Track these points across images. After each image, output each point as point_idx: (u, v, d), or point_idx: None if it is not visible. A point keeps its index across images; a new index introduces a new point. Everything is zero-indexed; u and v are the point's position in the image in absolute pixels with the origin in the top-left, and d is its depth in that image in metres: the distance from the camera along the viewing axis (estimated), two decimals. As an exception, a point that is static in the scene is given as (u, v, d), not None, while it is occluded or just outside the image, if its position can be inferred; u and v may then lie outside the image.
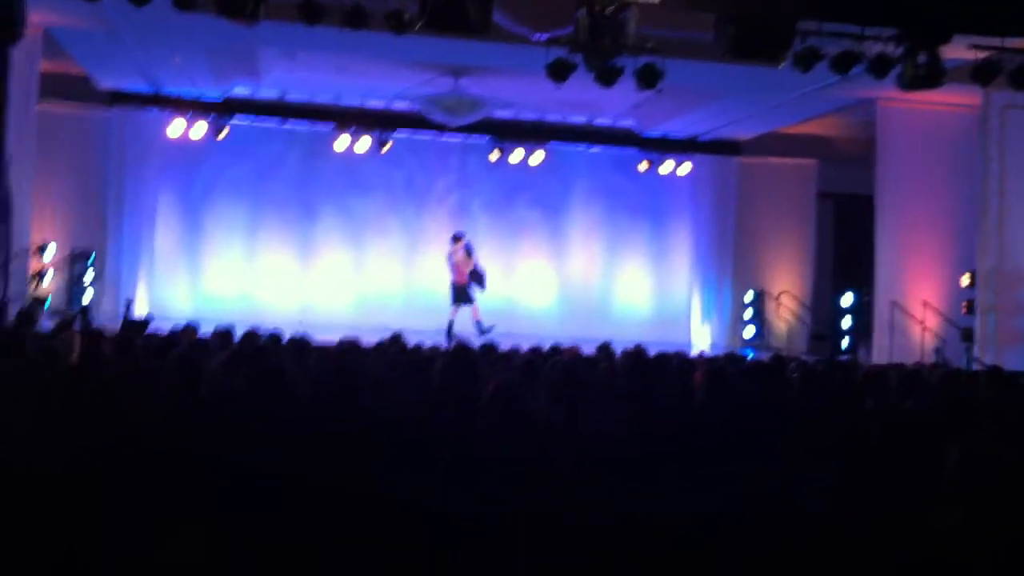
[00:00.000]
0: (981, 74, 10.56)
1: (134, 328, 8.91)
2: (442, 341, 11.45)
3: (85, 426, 4.04)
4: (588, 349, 8.88)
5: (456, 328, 14.65)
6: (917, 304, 14.12)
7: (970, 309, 13.77)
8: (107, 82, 15.54)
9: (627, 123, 16.82)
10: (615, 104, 15.17)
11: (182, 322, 9.25)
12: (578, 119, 16.85)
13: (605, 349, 8.58)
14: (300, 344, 7.08)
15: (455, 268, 15.12)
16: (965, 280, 14.00)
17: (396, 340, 8.05)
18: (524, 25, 10.36)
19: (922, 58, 10.11)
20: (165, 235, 16.71)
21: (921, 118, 13.99)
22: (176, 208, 16.87)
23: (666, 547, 3.41)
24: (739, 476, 3.91)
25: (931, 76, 10.13)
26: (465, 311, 14.97)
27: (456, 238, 15.33)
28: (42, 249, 15.27)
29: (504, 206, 17.67)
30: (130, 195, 16.26)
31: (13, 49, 10.23)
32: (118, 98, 15.99)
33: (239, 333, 7.65)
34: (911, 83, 10.27)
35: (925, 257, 14.39)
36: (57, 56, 13.61)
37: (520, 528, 3.29)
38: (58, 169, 15.48)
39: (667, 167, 17.43)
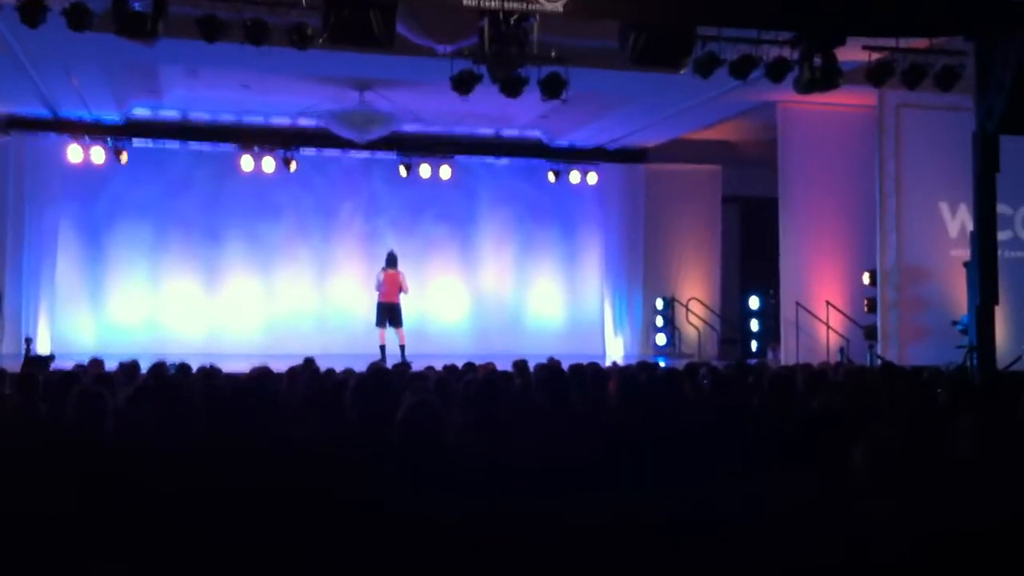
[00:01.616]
0: (875, 75, 10.87)
1: (36, 365, 8.65)
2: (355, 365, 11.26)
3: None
4: (503, 364, 8.88)
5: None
6: (821, 304, 14.42)
7: (871, 307, 14.10)
8: (2, 107, 15.10)
9: (534, 134, 16.92)
10: (522, 115, 15.25)
11: (86, 357, 9.02)
12: (486, 131, 16.89)
13: (519, 365, 8.59)
14: (209, 374, 6.95)
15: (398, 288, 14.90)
16: (866, 278, 14.34)
17: (308, 365, 7.95)
18: (428, 37, 10.35)
19: (818, 61, 10.37)
20: (66, 265, 16.20)
21: (820, 119, 14.31)
22: (77, 236, 16.39)
23: (586, 554, 3.42)
24: (655, 483, 3.94)
25: (827, 78, 10.39)
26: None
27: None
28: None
29: (413, 222, 17.56)
30: (29, 225, 15.77)
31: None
32: (14, 123, 15.56)
33: (145, 365, 7.48)
34: (808, 86, 10.53)
35: (827, 257, 14.70)
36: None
37: (442, 547, 3.26)
38: (-49, 201, 15.05)
39: (575, 177, 17.56)
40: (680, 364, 9.56)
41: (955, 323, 12.85)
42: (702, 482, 3.90)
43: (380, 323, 14.67)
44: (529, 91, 10.35)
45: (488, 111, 14.32)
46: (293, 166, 16.39)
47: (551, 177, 17.50)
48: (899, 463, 3.77)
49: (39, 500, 3.46)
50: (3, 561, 3.09)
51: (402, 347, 14.46)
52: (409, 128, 15.35)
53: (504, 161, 17.69)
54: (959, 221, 13.78)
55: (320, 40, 9.31)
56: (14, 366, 9.83)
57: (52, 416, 4.91)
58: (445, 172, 17.00)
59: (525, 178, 17.85)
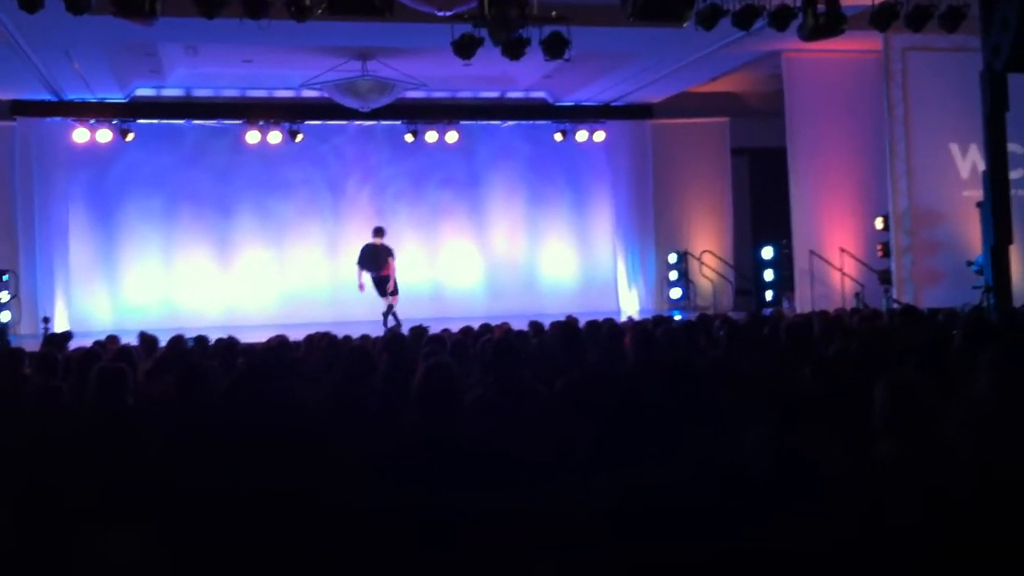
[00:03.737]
0: (879, 19, 10.74)
1: (55, 344, 8.71)
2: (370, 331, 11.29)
3: (11, 446, 3.96)
4: (518, 325, 8.91)
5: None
6: (835, 251, 14.39)
7: (885, 252, 14.06)
8: (6, 92, 15.12)
9: (539, 94, 16.84)
10: (526, 76, 15.18)
11: (103, 335, 9.08)
12: (490, 94, 16.83)
13: (536, 325, 8.62)
14: (227, 345, 7.00)
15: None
16: (879, 223, 14.29)
17: (326, 333, 8.00)
18: (427, 3, 10.28)
19: (821, 7, 10.26)
20: (79, 246, 16.27)
21: (826, 67, 14.21)
22: (88, 216, 16.44)
23: (608, 512, 3.43)
24: (675, 436, 3.95)
25: (831, 24, 10.29)
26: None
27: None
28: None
29: (422, 189, 17.56)
30: (40, 208, 15.80)
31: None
32: (19, 108, 15.56)
33: (162, 340, 7.54)
34: (812, 33, 10.42)
35: (839, 204, 14.65)
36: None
37: (460, 508, 3.28)
38: (-38, 188, 15.11)
39: (582, 135, 17.49)
40: (695, 317, 9.58)
41: (970, 264, 12.81)
42: (721, 434, 3.91)
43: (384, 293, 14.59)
44: (532, 52, 10.28)
45: (491, 74, 14.25)
46: (299, 138, 16.40)
47: (558, 137, 17.44)
48: (918, 404, 3.78)
49: (65, 476, 3.50)
50: (30, 537, 3.13)
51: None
52: (413, 95, 15.30)
53: (510, 123, 17.63)
54: (970, 162, 13.70)
55: (319, 11, 9.25)
56: (33, 346, 9.94)
57: (74, 393, 4.95)
58: (451, 137, 16.96)
59: (532, 139, 17.81)
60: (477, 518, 2.93)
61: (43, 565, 2.99)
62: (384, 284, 14.43)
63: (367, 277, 14.41)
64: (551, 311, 13.81)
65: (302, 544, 2.82)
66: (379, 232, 14.58)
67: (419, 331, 8.25)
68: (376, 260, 14.46)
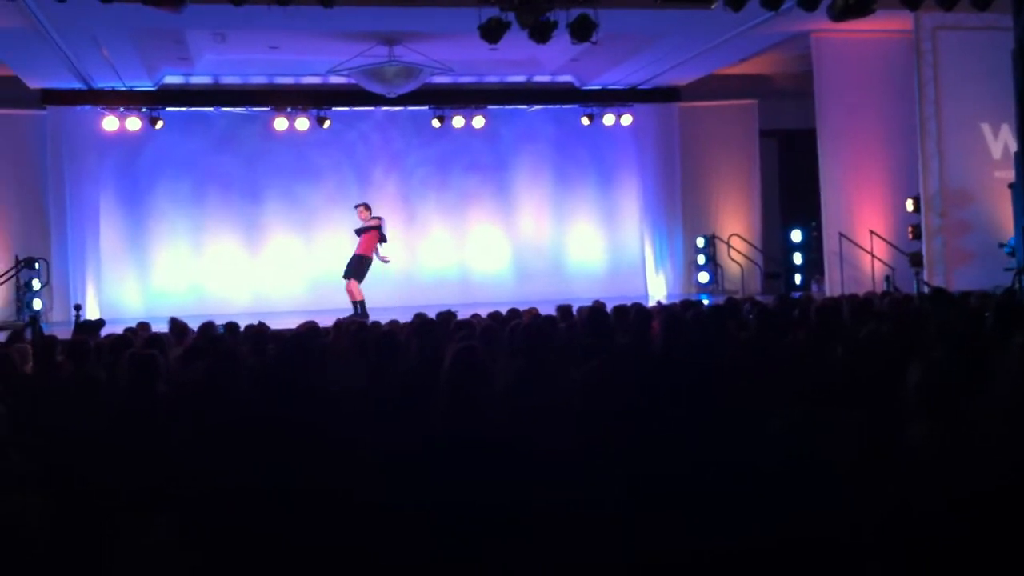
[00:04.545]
0: (910, -2, 10.63)
1: (87, 331, 8.79)
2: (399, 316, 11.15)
3: (46, 431, 4.00)
4: (546, 310, 8.91)
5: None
6: (864, 234, 14.27)
7: (916, 234, 13.93)
8: (36, 81, 15.23)
9: (566, 78, 16.78)
10: (552, 60, 15.12)
11: (134, 322, 9.15)
12: (517, 78, 16.79)
13: (564, 310, 8.61)
14: (257, 331, 7.04)
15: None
16: (909, 205, 14.15)
17: (354, 319, 8.03)
18: (454, -14, 10.27)
19: (851, -13, 10.17)
20: (109, 233, 16.40)
21: (855, 47, 14.06)
22: (118, 204, 16.55)
23: (638, 497, 3.43)
24: (706, 421, 3.94)
25: (861, 4, 10.19)
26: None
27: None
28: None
29: (449, 174, 17.55)
30: (71, 196, 15.94)
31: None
32: (49, 97, 15.67)
33: (193, 327, 7.59)
34: (841, 13, 10.33)
35: (869, 186, 14.52)
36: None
37: (486, 501, 3.28)
38: (-6, 176, 15.26)
39: (609, 119, 17.42)
40: (724, 301, 9.54)
41: (1002, 245, 12.68)
42: (751, 418, 3.90)
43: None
44: (559, 35, 10.25)
45: (518, 57, 14.21)
46: (326, 124, 16.44)
47: (585, 121, 17.37)
48: (950, 387, 3.76)
49: (102, 465, 3.54)
50: (67, 526, 3.16)
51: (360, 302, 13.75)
52: (439, 80, 15.29)
53: (537, 107, 17.59)
54: (1002, 142, 13.53)
55: (346, -4, 9.26)
56: (65, 333, 10.04)
57: (107, 380, 4.99)
58: (478, 122, 16.94)
59: (559, 123, 17.76)
60: (503, 510, 2.93)
61: (79, 553, 3.02)
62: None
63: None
64: (578, 295, 13.80)
65: (327, 538, 2.83)
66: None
67: (447, 316, 8.26)
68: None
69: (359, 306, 13.44)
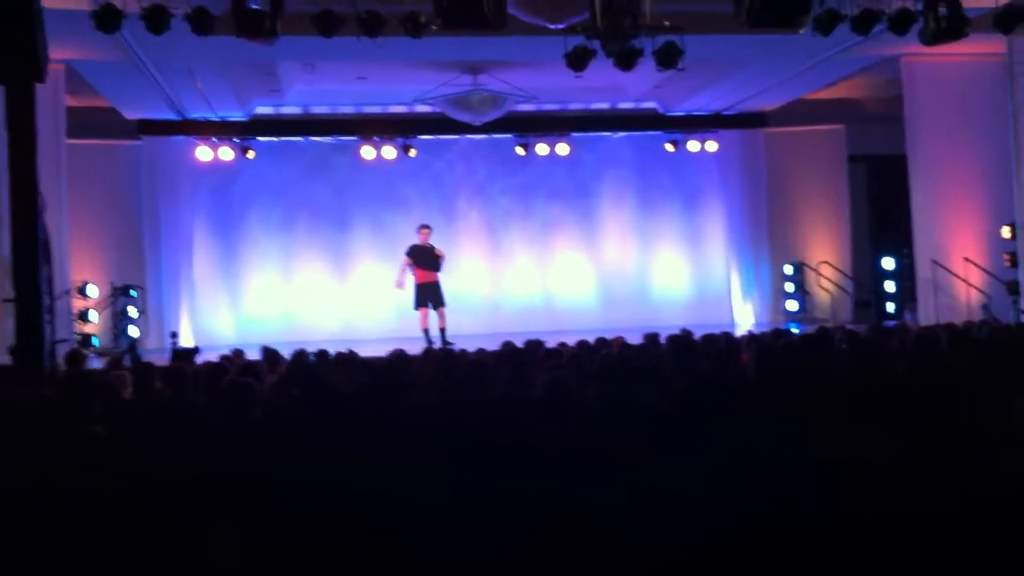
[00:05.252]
0: (1003, 21, 10.38)
1: (183, 358, 8.99)
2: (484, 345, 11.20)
3: (144, 458, 4.08)
4: (632, 338, 8.86)
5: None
6: (958, 261, 13.93)
7: (1013, 262, 13.56)
8: (133, 112, 15.68)
9: (650, 104, 16.74)
10: (637, 86, 15.10)
11: (227, 349, 9.32)
12: (600, 105, 16.80)
13: (651, 337, 8.55)
14: (347, 359, 7.12)
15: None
16: (1006, 232, 13.77)
17: (443, 347, 8.08)
18: (539, 15, 10.31)
19: (943, 10, 9.96)
20: (203, 261, 16.76)
21: (947, 71, 13.79)
22: (211, 233, 16.91)
23: (728, 527, 3.37)
24: (800, 451, 3.87)
25: (953, 28, 9.98)
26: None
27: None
28: (83, 288, 15.40)
29: (533, 201, 17.60)
30: (165, 225, 16.34)
31: (38, 87, 10.30)
32: (145, 127, 16.11)
33: (285, 354, 7.71)
34: (934, 37, 10.13)
35: (962, 212, 14.19)
36: (81, 90, 13.78)
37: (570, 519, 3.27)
38: (91, 205, 15.70)
39: (694, 146, 17.32)
40: (815, 329, 9.38)
41: (1103, 274, 12.28)
42: (849, 449, 3.82)
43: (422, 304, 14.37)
44: (643, 62, 10.22)
45: (602, 84, 14.22)
46: (412, 153, 16.62)
47: (669, 147, 17.30)
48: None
49: (199, 487, 3.59)
50: (160, 544, 3.21)
51: (442, 329, 14.10)
52: (523, 108, 15.37)
53: (621, 134, 17.57)
54: (1102, 167, 13.11)
55: (433, 27, 9.37)
56: (161, 360, 10.27)
57: (205, 407, 5.10)
58: (562, 150, 16.97)
59: (643, 150, 17.68)
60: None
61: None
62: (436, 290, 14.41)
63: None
64: (664, 323, 13.69)
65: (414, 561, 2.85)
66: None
67: (535, 345, 8.26)
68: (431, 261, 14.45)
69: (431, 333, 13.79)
